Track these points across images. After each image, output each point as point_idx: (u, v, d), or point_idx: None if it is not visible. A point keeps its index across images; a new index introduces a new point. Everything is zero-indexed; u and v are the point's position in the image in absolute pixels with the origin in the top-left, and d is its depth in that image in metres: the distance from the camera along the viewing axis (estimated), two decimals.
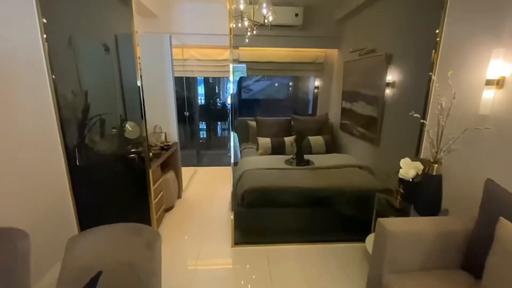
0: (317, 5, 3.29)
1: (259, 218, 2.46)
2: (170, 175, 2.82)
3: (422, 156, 2.00)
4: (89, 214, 1.91)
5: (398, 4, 2.45)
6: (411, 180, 1.75)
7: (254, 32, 2.66)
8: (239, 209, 2.36)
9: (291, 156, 3.04)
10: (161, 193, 2.55)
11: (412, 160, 1.80)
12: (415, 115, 1.72)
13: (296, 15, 3.19)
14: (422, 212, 1.65)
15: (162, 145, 2.77)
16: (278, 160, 2.99)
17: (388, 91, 2.53)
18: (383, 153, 2.66)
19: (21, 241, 1.05)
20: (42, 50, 1.58)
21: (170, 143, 2.88)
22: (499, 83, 1.43)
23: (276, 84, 4.60)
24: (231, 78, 2.05)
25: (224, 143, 5.46)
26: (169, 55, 2.78)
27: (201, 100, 5.02)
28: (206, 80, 5.01)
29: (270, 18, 2.25)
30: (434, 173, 1.58)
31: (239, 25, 2.43)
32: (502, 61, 1.41)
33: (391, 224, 1.37)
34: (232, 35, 1.91)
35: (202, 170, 4.22)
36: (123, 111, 2.09)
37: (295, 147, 3.02)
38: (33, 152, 1.54)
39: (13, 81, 1.41)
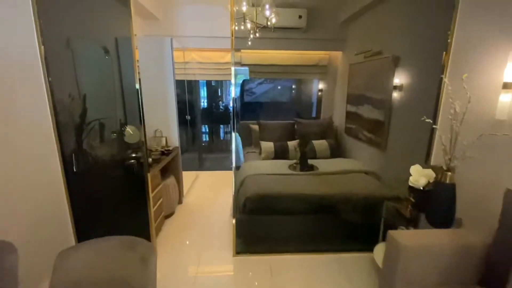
0: (321, 7, 3.23)
1: (262, 225, 2.37)
2: (171, 180, 2.76)
3: (432, 162, 1.91)
4: (87, 223, 1.84)
5: (405, 4, 2.37)
6: (422, 188, 1.66)
7: (257, 34, 2.61)
8: (241, 216, 2.28)
9: (294, 161, 2.96)
10: (161, 200, 2.48)
11: (423, 167, 1.71)
12: (427, 120, 1.64)
13: (300, 17, 3.13)
14: (434, 222, 1.56)
15: (162, 150, 2.71)
16: (281, 165, 2.91)
17: (395, 95, 2.45)
18: (390, 159, 2.57)
19: (8, 256, 0.99)
20: (38, 53, 1.53)
21: (170, 148, 2.82)
22: None
23: (279, 87, 4.53)
24: (232, 81, 2.00)
25: (226, 147, 5.39)
26: (170, 58, 2.73)
27: (203, 102, 4.96)
28: (208, 82, 4.95)
29: (273, 20, 2.20)
30: (447, 181, 1.49)
31: (242, 27, 2.38)
32: None
33: (403, 236, 1.28)
34: (234, 38, 1.86)
35: (204, 175, 4.15)
36: (123, 115, 2.04)
37: (298, 151, 2.95)
38: (27, 158, 1.48)
39: (6, 84, 1.36)
